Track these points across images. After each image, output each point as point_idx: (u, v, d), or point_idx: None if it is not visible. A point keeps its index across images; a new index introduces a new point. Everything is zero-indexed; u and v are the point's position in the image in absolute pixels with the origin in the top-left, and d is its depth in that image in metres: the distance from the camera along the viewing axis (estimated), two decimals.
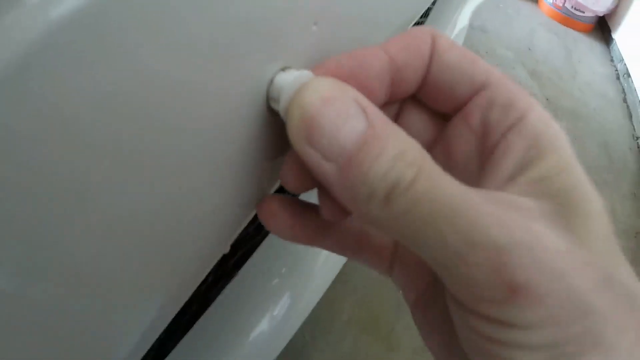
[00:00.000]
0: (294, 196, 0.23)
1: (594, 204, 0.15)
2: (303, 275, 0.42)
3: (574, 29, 2.28)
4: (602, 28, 2.35)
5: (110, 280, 0.15)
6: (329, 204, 0.17)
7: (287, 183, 0.18)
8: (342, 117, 0.14)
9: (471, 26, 0.72)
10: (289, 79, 0.17)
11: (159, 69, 0.13)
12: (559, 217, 0.14)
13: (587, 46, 2.21)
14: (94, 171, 0.12)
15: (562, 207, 0.15)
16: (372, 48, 0.17)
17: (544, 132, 0.16)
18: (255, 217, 0.21)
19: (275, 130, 0.19)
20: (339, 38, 0.21)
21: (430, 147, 0.20)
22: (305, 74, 0.17)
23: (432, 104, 0.19)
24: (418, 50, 0.18)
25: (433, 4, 0.64)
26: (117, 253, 0.15)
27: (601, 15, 2.27)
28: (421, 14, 0.35)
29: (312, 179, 0.17)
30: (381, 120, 0.15)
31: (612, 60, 2.15)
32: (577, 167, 0.16)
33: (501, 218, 0.13)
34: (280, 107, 0.17)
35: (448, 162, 0.18)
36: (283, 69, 0.18)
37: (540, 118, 0.17)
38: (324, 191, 0.18)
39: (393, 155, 0.14)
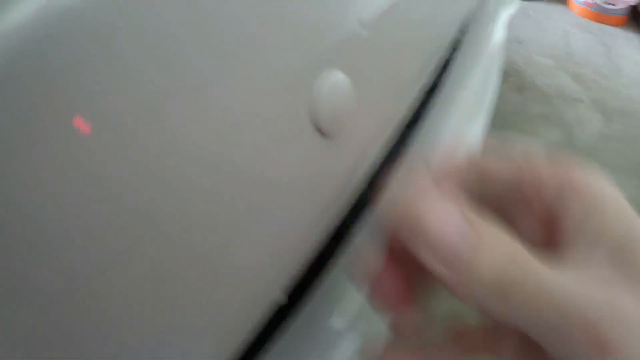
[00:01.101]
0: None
1: None
2: (367, 323, 0.39)
3: (608, 24, 2.21)
4: (636, 18, 2.27)
5: (149, 324, 0.14)
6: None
7: (381, 303, 0.18)
8: (446, 223, 0.15)
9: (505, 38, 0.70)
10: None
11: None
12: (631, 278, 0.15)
13: (625, 39, 2.12)
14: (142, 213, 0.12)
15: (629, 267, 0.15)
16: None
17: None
18: (315, 263, 0.19)
19: (322, 156, 0.16)
20: (387, 41, 0.18)
21: None
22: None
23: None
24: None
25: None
26: (162, 290, 0.14)
27: (633, 4, 2.20)
28: (462, 18, 0.33)
29: (409, 299, 0.18)
30: (481, 223, 0.16)
31: None
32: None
33: (587, 298, 0.15)
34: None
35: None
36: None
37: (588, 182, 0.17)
38: None
39: (505, 260, 0.15)
